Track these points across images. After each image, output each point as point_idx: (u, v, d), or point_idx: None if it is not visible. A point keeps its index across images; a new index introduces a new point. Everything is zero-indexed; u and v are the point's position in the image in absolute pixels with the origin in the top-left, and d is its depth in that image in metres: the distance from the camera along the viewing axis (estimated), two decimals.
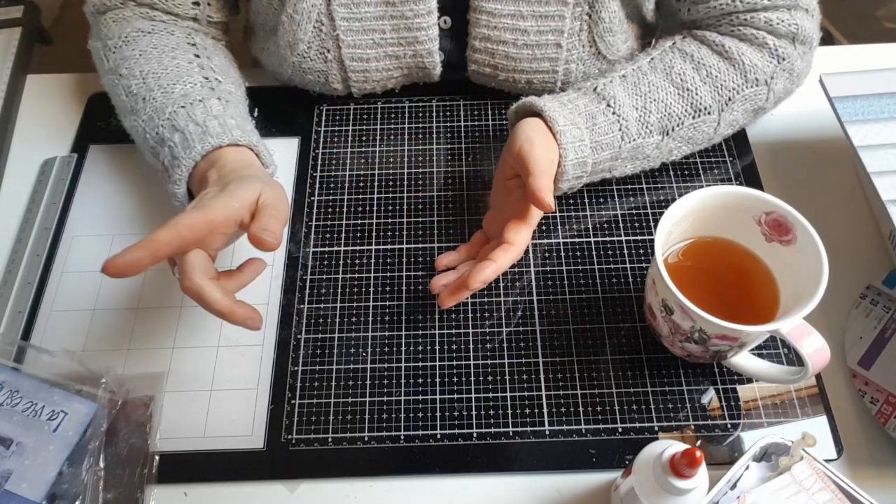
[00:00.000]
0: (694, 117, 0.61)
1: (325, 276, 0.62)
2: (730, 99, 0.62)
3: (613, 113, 0.59)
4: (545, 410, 0.55)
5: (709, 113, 0.61)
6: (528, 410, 0.55)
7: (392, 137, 0.70)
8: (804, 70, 0.65)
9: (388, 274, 0.62)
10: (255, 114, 0.70)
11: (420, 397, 0.56)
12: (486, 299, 0.60)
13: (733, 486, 0.45)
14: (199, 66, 0.63)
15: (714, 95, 0.61)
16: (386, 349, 0.58)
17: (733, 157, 0.68)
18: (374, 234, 0.64)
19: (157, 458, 0.53)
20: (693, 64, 0.62)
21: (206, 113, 0.58)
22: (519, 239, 0.55)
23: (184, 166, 0.55)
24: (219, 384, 0.57)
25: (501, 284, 0.61)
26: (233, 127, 0.57)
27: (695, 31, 0.65)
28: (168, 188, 0.57)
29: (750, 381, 0.56)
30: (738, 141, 0.69)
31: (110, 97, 0.65)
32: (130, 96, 0.61)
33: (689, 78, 0.61)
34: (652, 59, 0.63)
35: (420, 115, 0.72)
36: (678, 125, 0.61)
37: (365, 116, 0.72)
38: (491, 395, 0.56)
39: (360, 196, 0.66)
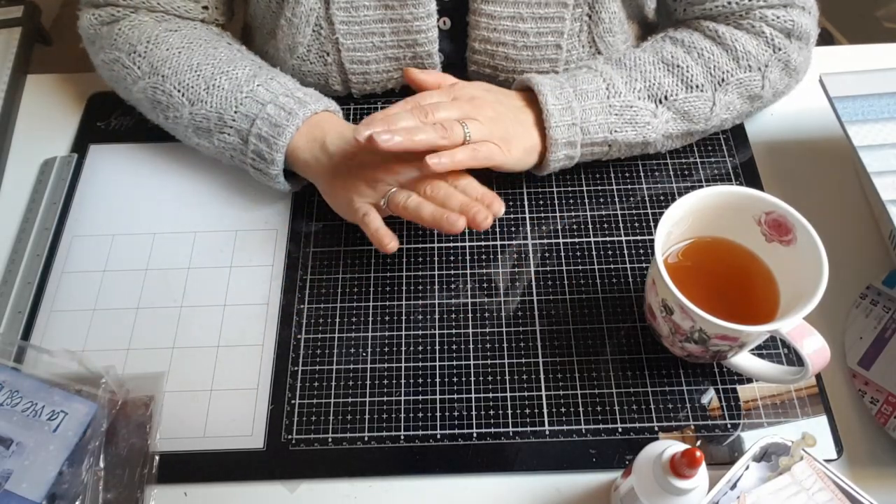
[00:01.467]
0: (686, 92, 0.61)
1: (325, 276, 0.62)
2: (722, 80, 0.62)
3: (594, 71, 0.61)
4: (545, 410, 0.55)
5: (702, 90, 0.62)
6: (528, 410, 0.55)
7: None
8: (802, 65, 0.65)
9: (388, 274, 0.62)
10: None
11: (420, 397, 0.56)
12: (485, 299, 0.60)
13: (733, 486, 0.45)
14: (240, 52, 0.65)
15: (706, 75, 0.61)
16: (386, 349, 0.58)
17: (733, 157, 0.68)
18: None
19: (157, 458, 0.53)
20: (684, 48, 0.62)
21: (285, 87, 0.61)
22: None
23: (288, 132, 0.59)
24: (219, 384, 0.57)
25: (501, 284, 0.61)
26: (318, 96, 0.62)
27: (689, 22, 0.65)
28: (266, 156, 0.60)
29: (750, 381, 0.56)
30: (738, 140, 0.69)
31: (145, 102, 0.65)
32: (185, 90, 0.62)
33: (680, 57, 0.61)
34: (642, 47, 0.64)
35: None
36: (670, 95, 0.61)
37: (365, 116, 0.71)
38: (491, 395, 0.56)
39: None
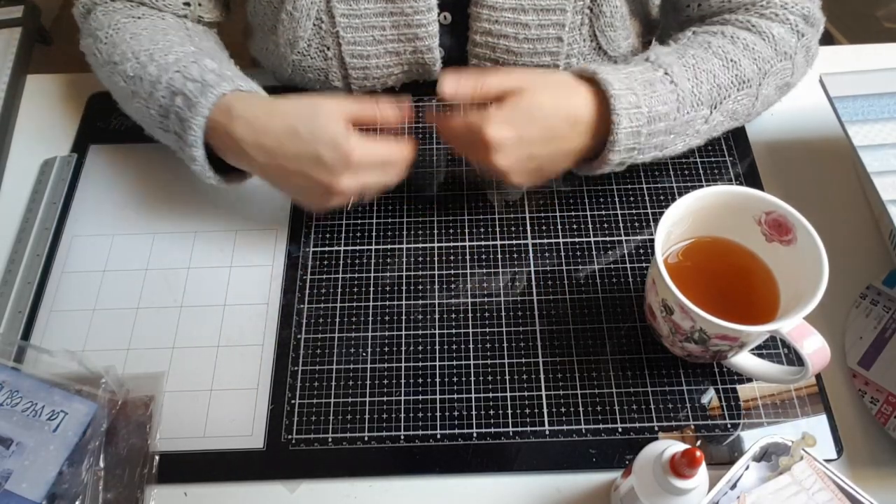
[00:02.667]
0: (738, 90, 0.60)
1: (325, 276, 0.62)
2: (766, 72, 0.61)
3: (671, 82, 0.57)
4: (545, 410, 0.55)
5: (750, 86, 0.60)
6: (528, 410, 0.55)
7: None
8: (816, 52, 0.65)
9: (388, 274, 0.62)
10: None
11: (420, 397, 0.56)
12: (485, 299, 0.60)
13: (733, 486, 0.45)
14: (189, 38, 0.62)
15: (753, 67, 0.60)
16: (386, 349, 0.58)
17: (733, 157, 0.68)
18: (373, 233, 0.64)
19: (157, 458, 0.53)
20: (728, 39, 0.61)
21: (201, 70, 0.57)
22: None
23: (195, 125, 0.55)
24: (219, 384, 0.57)
25: (501, 284, 0.61)
26: (232, 76, 0.57)
27: (711, 20, 0.64)
28: (186, 154, 0.57)
29: (750, 381, 0.56)
30: (738, 140, 0.69)
31: (110, 92, 0.65)
32: (129, 80, 0.60)
33: (730, 50, 0.60)
34: (681, 42, 0.62)
35: (420, 115, 0.72)
36: (725, 97, 0.59)
37: None
38: (491, 395, 0.56)
39: None
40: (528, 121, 0.54)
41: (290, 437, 0.54)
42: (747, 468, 0.45)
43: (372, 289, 0.61)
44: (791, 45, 0.61)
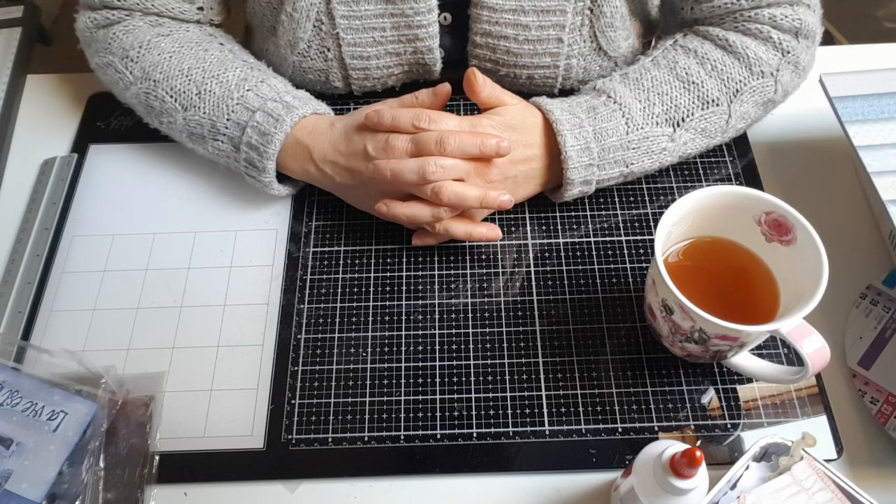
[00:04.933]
0: (703, 109, 0.61)
1: (325, 276, 0.62)
2: (737, 91, 0.61)
3: (615, 102, 0.60)
4: (545, 410, 0.55)
5: (717, 104, 0.61)
6: (528, 410, 0.55)
7: None
8: (809, 63, 0.65)
9: (388, 274, 0.62)
10: None
11: (420, 397, 0.56)
12: (485, 299, 0.60)
13: (733, 486, 0.45)
14: (231, 53, 0.65)
15: (721, 88, 0.61)
16: (386, 349, 0.58)
17: (733, 157, 0.68)
18: (373, 233, 0.64)
19: (157, 458, 0.53)
20: (697, 59, 0.62)
21: (274, 91, 0.62)
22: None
23: (277, 140, 0.59)
24: (219, 384, 0.57)
25: (501, 284, 0.61)
26: (307, 99, 0.63)
27: (697, 28, 0.65)
28: (258, 164, 0.60)
29: (750, 381, 0.56)
30: (738, 141, 0.69)
31: (139, 107, 0.65)
32: (178, 95, 0.62)
33: (694, 72, 0.61)
34: (654, 57, 0.63)
35: None
36: (687, 116, 0.61)
37: None
38: (491, 395, 0.56)
39: None
40: (507, 128, 0.59)
41: (290, 437, 0.54)
42: (747, 468, 0.45)
43: (372, 289, 0.61)
44: (772, 63, 0.62)
